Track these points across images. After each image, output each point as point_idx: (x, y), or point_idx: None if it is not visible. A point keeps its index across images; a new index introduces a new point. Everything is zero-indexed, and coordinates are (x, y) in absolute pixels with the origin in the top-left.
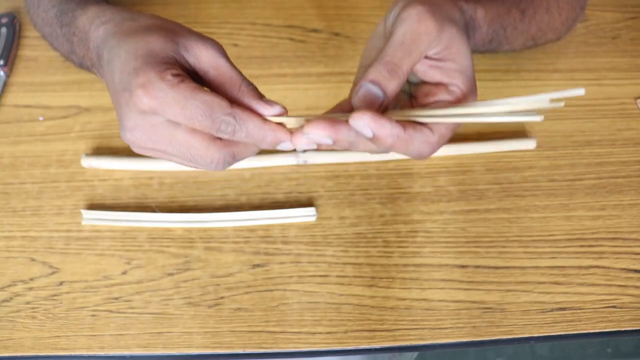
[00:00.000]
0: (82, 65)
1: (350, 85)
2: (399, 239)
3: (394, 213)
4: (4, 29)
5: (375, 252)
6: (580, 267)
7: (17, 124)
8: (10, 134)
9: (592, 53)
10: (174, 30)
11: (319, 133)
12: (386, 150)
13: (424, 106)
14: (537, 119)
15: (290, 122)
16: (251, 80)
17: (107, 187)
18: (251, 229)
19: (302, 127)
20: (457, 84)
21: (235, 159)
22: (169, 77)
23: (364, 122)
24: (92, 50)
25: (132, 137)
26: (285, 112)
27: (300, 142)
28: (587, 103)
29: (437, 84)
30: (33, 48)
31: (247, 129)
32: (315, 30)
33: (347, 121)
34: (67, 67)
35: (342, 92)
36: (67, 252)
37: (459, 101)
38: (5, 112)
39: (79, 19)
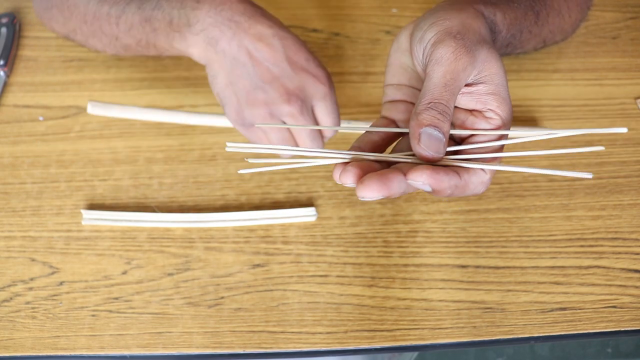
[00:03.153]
0: (140, 35)
1: (350, 85)
2: (399, 239)
3: (394, 213)
4: (4, 29)
5: (375, 252)
6: (580, 267)
7: (17, 124)
8: (10, 134)
9: (592, 53)
10: None
11: (374, 195)
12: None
13: (463, 141)
14: (587, 175)
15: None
16: None
17: (107, 187)
18: (251, 229)
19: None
20: (493, 109)
21: None
22: None
23: (423, 180)
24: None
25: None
26: None
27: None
28: (587, 103)
29: (472, 111)
30: (33, 48)
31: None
32: (315, 30)
33: (396, 169)
34: (67, 67)
35: (342, 92)
36: (67, 252)
37: (499, 129)
38: (5, 112)
39: None
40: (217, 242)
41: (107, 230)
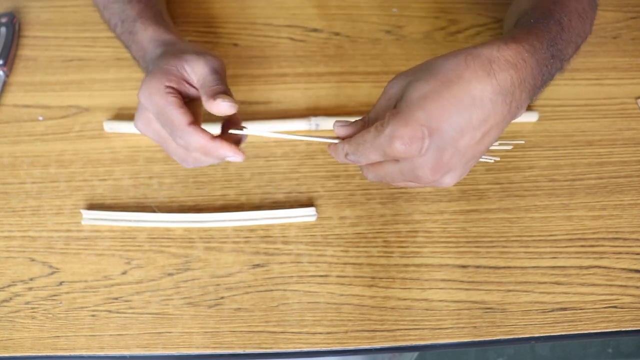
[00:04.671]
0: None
1: (350, 84)
2: (399, 239)
3: (394, 213)
4: (3, 29)
5: (375, 252)
6: (581, 267)
7: (17, 123)
8: (10, 134)
9: (592, 53)
10: (184, 50)
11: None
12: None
13: None
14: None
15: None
16: (251, 80)
17: (107, 187)
18: (251, 229)
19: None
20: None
21: (198, 162)
22: (162, 87)
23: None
24: (147, 61)
25: (136, 123)
26: (235, 108)
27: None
28: (588, 103)
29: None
30: (32, 48)
31: (195, 144)
32: (315, 30)
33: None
34: (67, 66)
35: (342, 92)
36: (67, 252)
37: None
38: (5, 111)
39: (139, 34)
40: (217, 242)
41: (106, 230)
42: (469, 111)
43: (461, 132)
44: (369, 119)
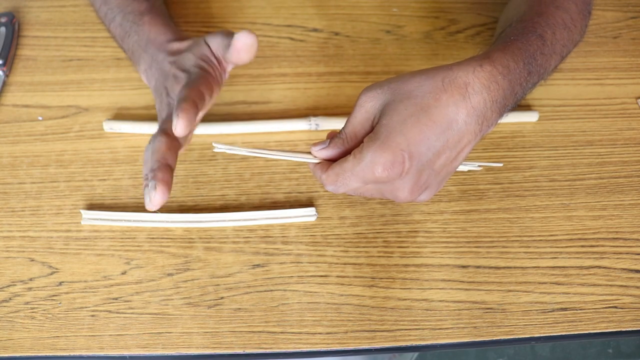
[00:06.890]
0: (121, 45)
1: (350, 84)
2: (400, 239)
3: (394, 213)
4: (3, 29)
5: (375, 252)
6: (581, 268)
7: (16, 123)
8: (9, 134)
9: (593, 52)
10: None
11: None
12: None
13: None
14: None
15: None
16: (251, 79)
17: (107, 187)
18: (251, 229)
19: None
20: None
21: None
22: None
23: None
24: (152, 50)
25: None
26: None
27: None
28: (588, 103)
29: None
30: (32, 48)
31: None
32: (315, 30)
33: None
34: (66, 66)
35: (342, 92)
36: (67, 252)
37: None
38: (4, 111)
39: (146, 26)
40: (217, 242)
41: (106, 230)
42: (445, 134)
43: (438, 154)
44: (346, 136)
